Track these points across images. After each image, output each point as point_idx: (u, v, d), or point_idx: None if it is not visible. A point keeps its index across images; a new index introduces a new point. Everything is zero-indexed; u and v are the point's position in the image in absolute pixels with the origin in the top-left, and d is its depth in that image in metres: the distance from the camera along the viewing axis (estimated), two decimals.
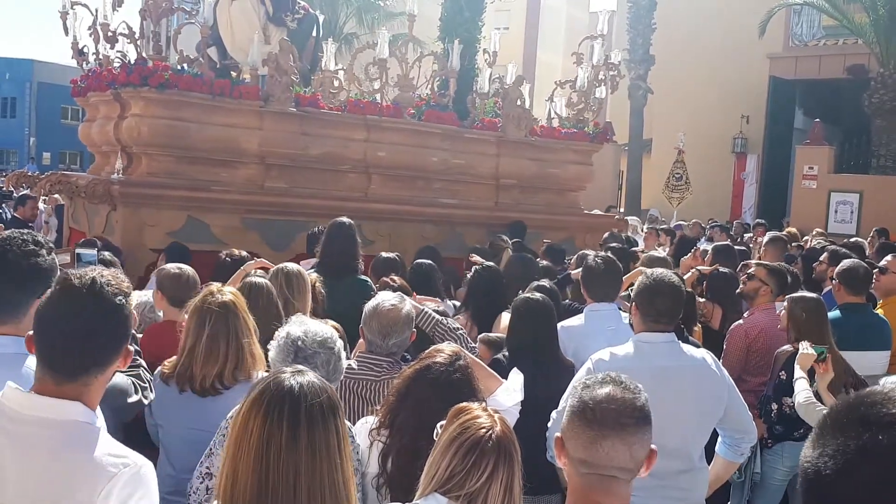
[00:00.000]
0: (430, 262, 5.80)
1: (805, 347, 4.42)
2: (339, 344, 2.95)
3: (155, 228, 7.16)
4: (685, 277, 5.50)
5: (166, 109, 7.33)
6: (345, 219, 5.70)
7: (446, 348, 3.02)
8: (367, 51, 9.04)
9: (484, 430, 2.26)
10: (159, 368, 3.44)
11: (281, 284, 4.33)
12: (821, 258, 7.17)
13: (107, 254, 4.82)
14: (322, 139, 8.07)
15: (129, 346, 2.11)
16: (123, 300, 2.09)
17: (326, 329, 2.99)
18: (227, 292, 3.38)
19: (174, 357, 3.40)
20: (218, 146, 7.60)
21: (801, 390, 4.26)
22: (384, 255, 5.95)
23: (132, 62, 7.41)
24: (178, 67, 7.42)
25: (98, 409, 2.24)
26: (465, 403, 2.41)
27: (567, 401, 2.13)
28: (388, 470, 2.82)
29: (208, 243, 7.15)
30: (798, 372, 4.36)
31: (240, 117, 7.64)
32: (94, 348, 2.03)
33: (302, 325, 2.97)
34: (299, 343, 2.86)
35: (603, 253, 4.79)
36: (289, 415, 1.84)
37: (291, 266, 4.52)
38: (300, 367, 2.04)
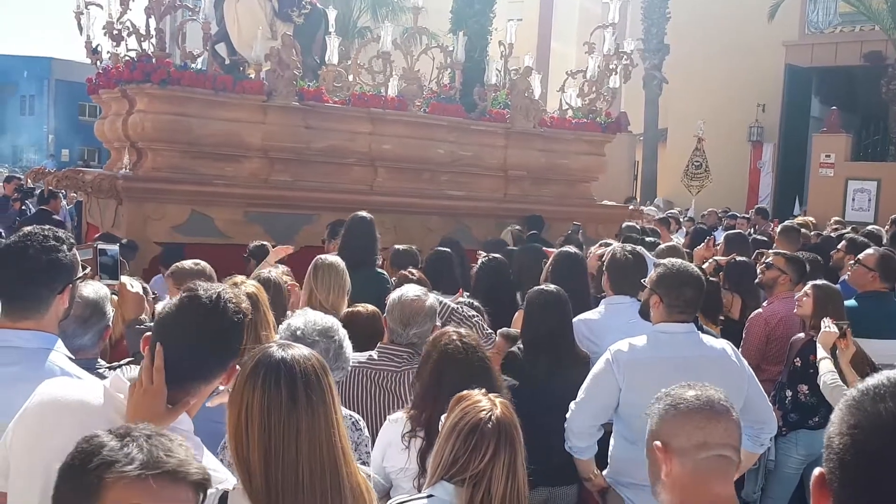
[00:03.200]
0: (445, 251, 5.81)
1: (827, 325, 4.38)
2: (342, 334, 2.96)
3: (159, 222, 7.26)
4: (702, 268, 5.46)
5: (169, 105, 7.42)
6: (365, 213, 5.82)
7: (449, 332, 3.08)
8: (373, 44, 9.04)
9: (483, 413, 2.31)
10: None
11: (309, 275, 4.40)
12: (838, 246, 7.12)
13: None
14: (326, 133, 8.11)
15: (235, 365, 2.11)
16: (242, 319, 2.10)
17: (328, 319, 3.01)
18: (250, 285, 3.40)
19: None
20: (221, 141, 7.67)
21: (827, 371, 4.21)
22: (401, 247, 6.01)
23: (135, 59, 7.50)
24: (181, 63, 7.49)
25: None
26: (465, 391, 2.45)
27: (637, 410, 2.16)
28: (427, 469, 2.82)
29: (212, 237, 7.28)
30: (821, 352, 4.32)
31: (243, 112, 7.70)
32: (206, 362, 2.06)
33: (303, 316, 2.99)
34: (298, 333, 2.88)
35: (631, 246, 4.75)
36: (286, 379, 1.91)
37: (328, 259, 4.56)
38: (284, 342, 2.09)
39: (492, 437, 2.27)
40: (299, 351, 2.00)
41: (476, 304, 4.51)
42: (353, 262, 5.29)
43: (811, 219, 12.62)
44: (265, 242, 6.14)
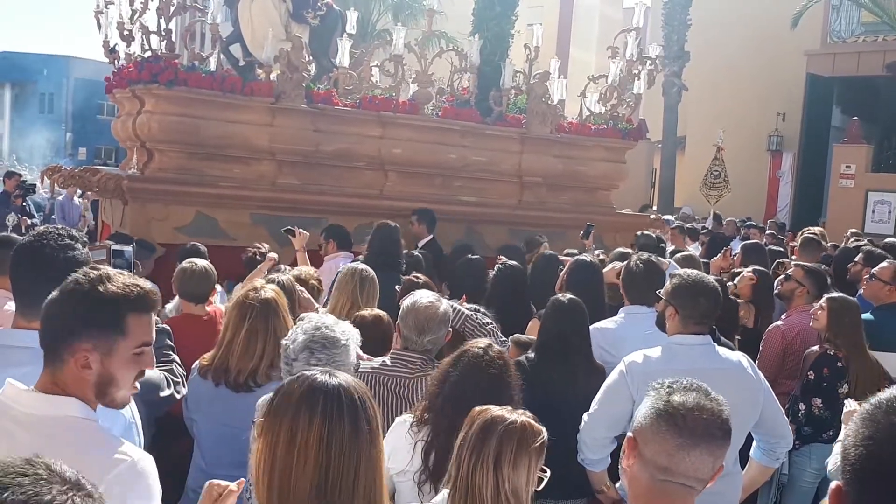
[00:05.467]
0: (477, 257, 5.99)
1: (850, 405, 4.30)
2: (341, 346, 2.87)
3: (163, 223, 7.26)
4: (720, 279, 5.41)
5: (176, 106, 7.42)
6: (390, 221, 6.17)
7: (480, 340, 3.07)
8: (389, 47, 9.00)
9: (486, 415, 2.34)
10: (198, 361, 3.48)
11: (355, 286, 4.49)
12: (856, 259, 7.03)
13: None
14: (335, 136, 8.07)
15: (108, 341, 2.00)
16: (88, 285, 2.01)
17: (321, 332, 2.88)
18: (270, 290, 3.41)
19: (212, 350, 3.44)
20: (229, 143, 7.66)
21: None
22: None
23: (144, 59, 7.52)
24: (189, 64, 7.51)
25: (132, 403, 2.25)
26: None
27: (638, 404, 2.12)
28: (430, 466, 2.82)
29: (217, 238, 7.27)
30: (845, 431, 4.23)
31: (250, 114, 7.68)
32: (51, 332, 2.02)
33: (295, 331, 2.93)
34: (288, 351, 2.84)
35: (645, 255, 4.72)
36: (348, 407, 1.84)
37: (369, 272, 4.65)
38: (327, 368, 2.03)
39: (475, 436, 2.29)
40: (347, 377, 1.93)
41: (482, 310, 4.50)
42: (377, 266, 5.38)
43: (819, 229, 12.44)
44: (260, 245, 6.11)
